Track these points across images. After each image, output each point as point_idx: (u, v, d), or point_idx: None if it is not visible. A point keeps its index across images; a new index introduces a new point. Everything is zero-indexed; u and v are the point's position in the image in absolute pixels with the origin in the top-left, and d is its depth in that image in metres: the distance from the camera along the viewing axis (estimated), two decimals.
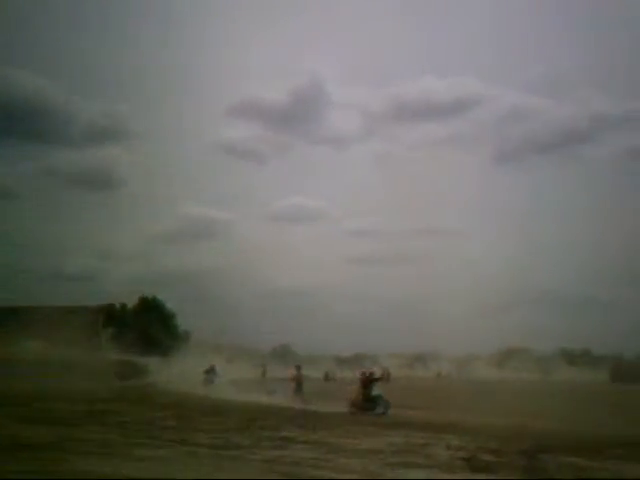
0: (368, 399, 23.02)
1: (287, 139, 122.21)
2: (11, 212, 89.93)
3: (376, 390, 23.33)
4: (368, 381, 23.56)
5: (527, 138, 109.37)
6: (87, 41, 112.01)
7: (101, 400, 21.81)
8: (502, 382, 54.16)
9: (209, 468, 9.81)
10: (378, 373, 26.30)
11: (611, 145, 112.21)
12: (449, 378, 69.87)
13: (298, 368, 32.21)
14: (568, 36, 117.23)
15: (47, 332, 43.26)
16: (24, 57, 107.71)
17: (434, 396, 36.82)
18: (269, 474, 9.52)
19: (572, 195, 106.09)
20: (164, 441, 12.27)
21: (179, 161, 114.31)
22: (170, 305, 62.17)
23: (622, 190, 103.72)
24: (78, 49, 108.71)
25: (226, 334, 64.92)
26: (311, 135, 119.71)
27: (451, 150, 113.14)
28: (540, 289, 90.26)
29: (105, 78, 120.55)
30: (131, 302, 61.22)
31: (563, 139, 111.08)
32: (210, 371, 37.23)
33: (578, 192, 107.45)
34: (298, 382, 30.95)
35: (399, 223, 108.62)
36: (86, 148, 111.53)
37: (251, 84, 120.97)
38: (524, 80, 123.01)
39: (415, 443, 13.36)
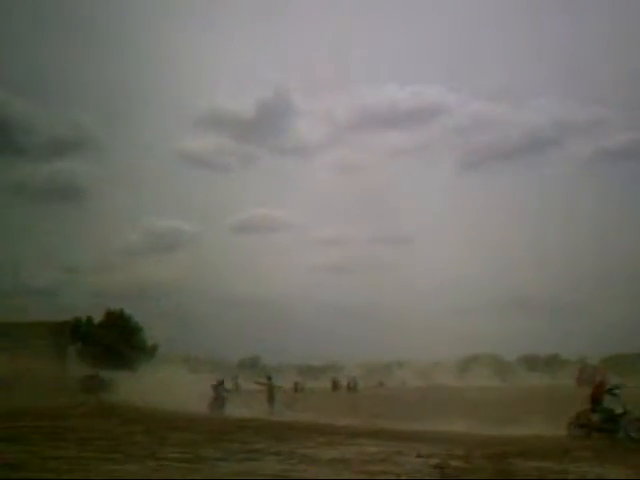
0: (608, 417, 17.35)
1: (252, 149, 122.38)
2: None
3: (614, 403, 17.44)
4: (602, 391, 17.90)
5: (491, 145, 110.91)
6: (50, 53, 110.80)
7: (67, 416, 21.50)
8: (467, 389, 54.55)
9: None
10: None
11: (575, 149, 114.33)
12: (414, 386, 70.17)
13: (269, 379, 32.17)
14: (529, 43, 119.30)
15: (11, 348, 42.54)
16: None
17: (401, 404, 36.93)
18: None
19: (539, 200, 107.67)
20: (132, 456, 12.15)
21: (143, 173, 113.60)
22: (137, 318, 61.59)
23: (589, 193, 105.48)
24: (40, 61, 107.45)
25: (194, 347, 64.57)
26: (276, 145, 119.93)
27: (416, 158, 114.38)
28: (507, 295, 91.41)
29: (68, 89, 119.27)
30: (97, 316, 60.54)
31: (527, 145, 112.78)
32: (219, 386, 30.75)
33: (544, 197, 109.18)
34: (270, 393, 30.92)
35: (365, 232, 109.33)
36: (49, 161, 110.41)
37: (216, 95, 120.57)
38: (487, 87, 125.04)
39: (385, 452, 13.40)
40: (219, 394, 30.19)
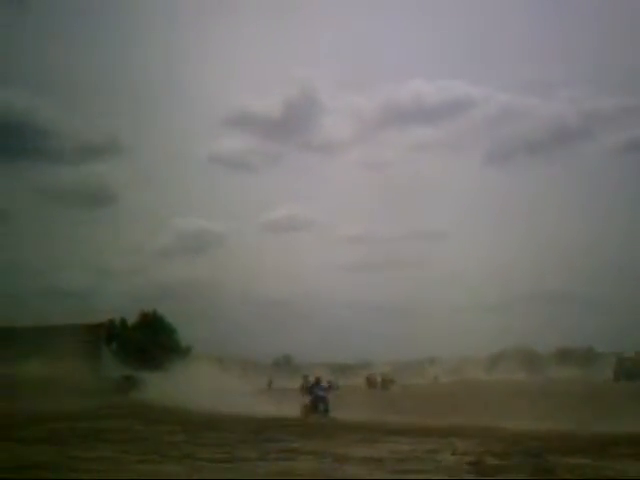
0: None
1: (279, 148, 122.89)
2: (4, 231, 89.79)
3: None
4: None
5: (519, 138, 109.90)
6: (77, 57, 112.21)
7: (103, 417, 21.72)
8: (500, 383, 54.05)
9: None
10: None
11: (604, 141, 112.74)
12: (447, 382, 69.79)
13: (306, 377, 32.21)
14: (555, 34, 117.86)
15: (46, 351, 43.10)
16: (12, 74, 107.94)
17: (434, 401, 36.73)
18: None
19: (567, 193, 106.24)
20: (168, 457, 12.22)
21: (172, 174, 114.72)
22: (170, 319, 62.04)
23: (618, 185, 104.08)
24: (68, 65, 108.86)
25: (227, 347, 64.84)
26: (303, 143, 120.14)
27: (443, 153, 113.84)
28: (539, 288, 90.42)
29: (96, 93, 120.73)
30: (131, 318, 61.10)
31: (555, 137, 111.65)
32: (314, 387, 26.92)
33: (573, 190, 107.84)
34: (304, 391, 30.91)
35: (393, 228, 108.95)
36: (79, 165, 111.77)
37: (242, 94, 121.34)
38: (513, 80, 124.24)
39: (420, 449, 13.32)
40: (317, 395, 26.36)
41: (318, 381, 27.55)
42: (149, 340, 57.32)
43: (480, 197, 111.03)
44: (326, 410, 25.68)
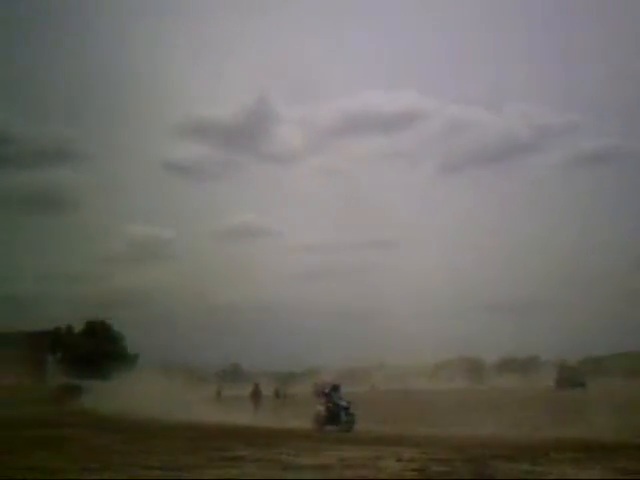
0: None
1: (237, 157, 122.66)
2: None
3: None
4: None
5: (471, 149, 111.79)
6: (33, 63, 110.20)
7: (47, 426, 21.36)
8: (445, 392, 54.74)
9: None
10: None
11: (552, 154, 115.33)
12: (385, 390, 70.25)
13: (256, 386, 32.13)
14: (507, 49, 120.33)
15: None
16: None
17: (380, 408, 36.98)
18: None
19: (517, 204, 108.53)
20: (113, 465, 12.12)
21: (127, 181, 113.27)
22: (118, 327, 61.30)
23: (566, 196, 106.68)
24: (24, 71, 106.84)
25: (176, 355, 64.28)
26: (260, 152, 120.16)
27: (396, 163, 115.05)
28: (488, 298, 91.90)
29: (52, 100, 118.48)
30: (78, 326, 60.20)
31: (506, 150, 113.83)
32: (332, 393, 23.26)
33: (522, 201, 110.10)
34: (257, 400, 30.87)
35: (349, 236, 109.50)
36: (33, 171, 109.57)
37: (198, 103, 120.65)
38: (466, 92, 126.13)
39: (366, 457, 13.46)
40: (337, 404, 22.49)
41: (336, 387, 23.59)
42: (95, 348, 56.59)
43: (432, 207, 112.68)
44: (351, 422, 22.06)
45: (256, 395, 31.83)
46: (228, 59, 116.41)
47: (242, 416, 28.42)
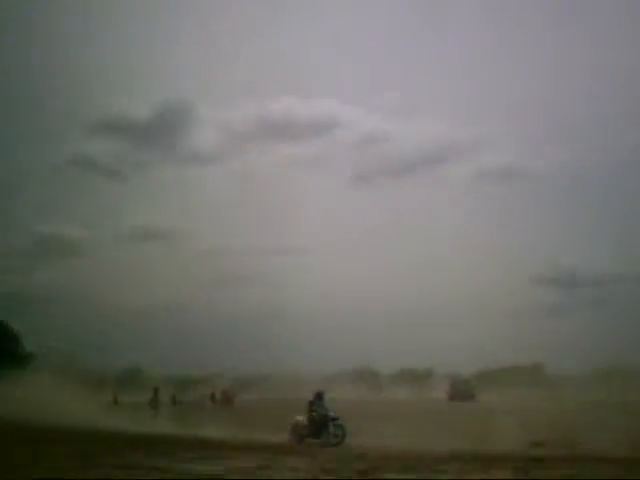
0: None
1: (149, 156, 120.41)
2: None
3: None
4: None
5: (383, 161, 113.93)
6: None
7: None
8: (339, 401, 54.85)
9: None
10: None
11: (459, 168, 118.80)
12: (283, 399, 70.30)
13: (155, 391, 31.74)
14: (419, 63, 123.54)
15: None
16: None
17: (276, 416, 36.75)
18: None
19: (424, 217, 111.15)
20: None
21: (34, 178, 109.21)
22: (16, 326, 59.22)
23: (474, 210, 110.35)
24: None
25: (76, 357, 62.68)
26: (173, 153, 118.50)
27: (312, 170, 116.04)
28: (388, 309, 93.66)
29: None
30: None
31: (416, 162, 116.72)
32: (316, 402, 21.42)
33: (429, 213, 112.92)
34: (154, 405, 30.48)
35: (254, 242, 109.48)
36: None
37: (112, 100, 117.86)
38: (381, 104, 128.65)
39: (256, 466, 13.65)
40: (325, 415, 20.62)
41: (320, 396, 21.36)
42: None
43: (343, 216, 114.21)
44: (342, 435, 20.25)
45: (155, 401, 31.48)
46: (147, 57, 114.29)
47: (140, 423, 28.05)
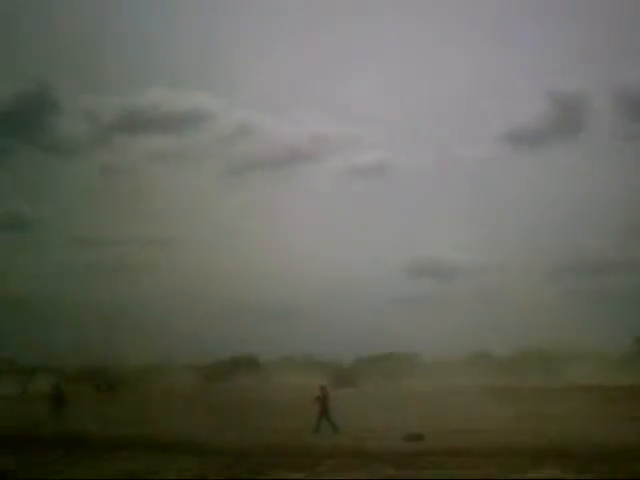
0: None
1: (10, 143, 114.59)
2: None
3: None
4: None
5: (253, 154, 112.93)
6: None
7: None
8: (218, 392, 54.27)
9: None
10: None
11: (330, 164, 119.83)
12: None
13: (57, 386, 30.46)
14: (293, 58, 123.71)
15: None
16: None
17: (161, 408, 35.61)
18: None
19: (294, 211, 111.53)
20: None
21: None
22: None
23: (342, 208, 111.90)
24: None
25: None
26: (36, 141, 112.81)
27: (180, 163, 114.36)
28: (264, 298, 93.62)
29: None
30: None
31: (287, 156, 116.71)
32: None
33: (302, 208, 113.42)
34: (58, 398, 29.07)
35: (122, 231, 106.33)
36: None
37: None
38: (252, 97, 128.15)
39: (143, 470, 13.42)
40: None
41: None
42: None
43: (212, 208, 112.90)
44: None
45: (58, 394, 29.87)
46: (10, 43, 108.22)
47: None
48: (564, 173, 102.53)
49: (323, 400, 21.70)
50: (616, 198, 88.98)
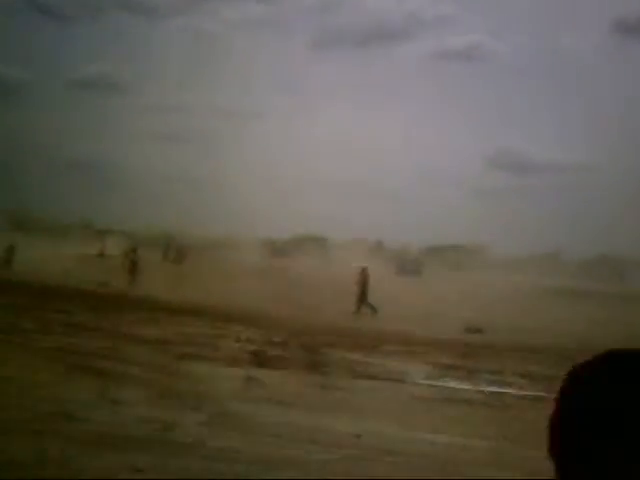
0: None
1: (99, 1, 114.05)
2: None
3: None
4: None
5: (343, 29, 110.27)
6: None
7: None
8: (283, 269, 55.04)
9: None
10: None
11: (421, 44, 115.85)
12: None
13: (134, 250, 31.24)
14: None
15: None
16: None
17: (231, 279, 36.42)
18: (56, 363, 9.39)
19: (382, 90, 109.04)
20: None
21: None
22: None
23: (426, 90, 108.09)
24: None
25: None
26: (128, 5, 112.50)
27: (267, 32, 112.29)
28: (333, 178, 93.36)
29: None
30: None
31: (377, 33, 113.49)
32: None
33: (387, 88, 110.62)
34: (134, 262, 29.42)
35: (200, 99, 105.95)
36: None
37: None
38: None
39: (206, 334, 13.66)
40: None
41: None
42: None
43: (297, 80, 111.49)
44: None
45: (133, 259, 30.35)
46: None
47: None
48: None
49: (363, 282, 22.04)
50: None
